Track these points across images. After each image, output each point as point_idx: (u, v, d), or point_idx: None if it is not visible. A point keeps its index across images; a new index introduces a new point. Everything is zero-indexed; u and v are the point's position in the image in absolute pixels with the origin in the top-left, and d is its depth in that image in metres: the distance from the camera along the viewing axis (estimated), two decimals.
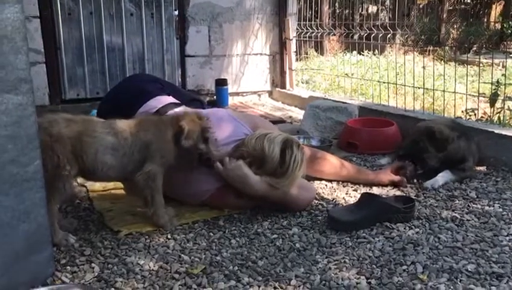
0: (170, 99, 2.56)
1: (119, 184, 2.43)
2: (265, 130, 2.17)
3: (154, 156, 1.94)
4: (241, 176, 2.05)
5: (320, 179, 2.57)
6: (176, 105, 2.52)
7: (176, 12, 4.59)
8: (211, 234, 1.98)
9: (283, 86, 5.06)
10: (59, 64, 4.26)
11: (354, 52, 6.18)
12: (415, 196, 2.35)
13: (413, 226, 2.02)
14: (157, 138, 1.97)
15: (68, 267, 1.72)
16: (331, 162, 2.56)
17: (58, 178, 1.80)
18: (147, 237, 1.94)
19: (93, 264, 1.74)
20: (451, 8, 11.85)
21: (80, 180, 2.50)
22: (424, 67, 4.25)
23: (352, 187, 2.51)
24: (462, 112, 3.57)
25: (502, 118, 3.35)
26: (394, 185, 2.50)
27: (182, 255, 1.80)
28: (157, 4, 4.50)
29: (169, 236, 1.95)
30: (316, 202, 2.29)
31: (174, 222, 2.04)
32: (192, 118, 2.01)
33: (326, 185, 2.53)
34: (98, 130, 1.91)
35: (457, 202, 2.28)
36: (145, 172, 1.93)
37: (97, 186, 2.47)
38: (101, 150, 1.88)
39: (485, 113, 3.58)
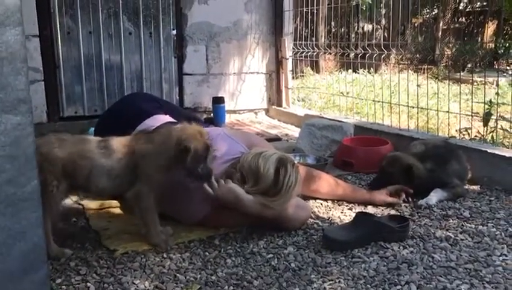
0: (167, 118, 2.59)
1: (116, 202, 2.44)
2: (261, 149, 2.16)
3: (142, 175, 1.94)
4: (233, 199, 2.04)
5: (316, 198, 2.58)
6: (173, 124, 2.55)
7: (174, 32, 4.65)
8: (207, 253, 1.99)
9: (279, 104, 5.10)
10: (58, 82, 4.29)
11: (350, 71, 6.26)
12: (409, 215, 2.37)
13: (407, 246, 2.04)
14: (146, 157, 1.95)
15: (64, 286, 1.73)
16: (327, 181, 2.57)
17: (45, 195, 1.82)
18: (142, 256, 1.95)
19: (88, 284, 1.74)
20: (445, 27, 12.02)
21: (76, 198, 2.51)
22: (418, 85, 4.30)
23: (347, 206, 2.53)
24: (456, 131, 3.61)
25: (495, 138, 3.39)
26: (389, 205, 2.51)
27: (178, 274, 1.81)
28: (156, 24, 4.56)
29: (165, 255, 1.96)
30: (312, 220, 2.31)
31: (170, 241, 2.04)
32: (196, 135, 1.95)
33: (321, 204, 2.54)
34: (91, 151, 1.92)
35: (451, 221, 2.30)
36: (133, 191, 1.93)
37: (93, 204, 2.47)
38: (95, 172, 1.90)
39: (478, 132, 3.62)
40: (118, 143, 1.98)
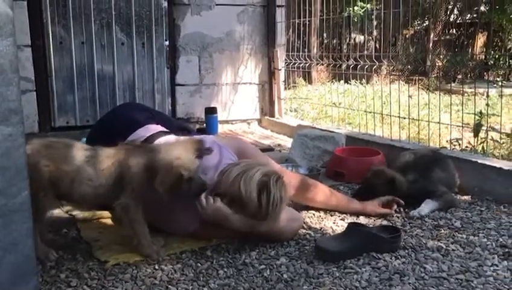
0: (159, 128, 2.59)
1: (107, 213, 2.43)
2: (241, 167, 2.06)
3: (127, 188, 1.93)
4: (222, 218, 2.03)
5: (308, 208, 2.59)
6: (165, 133, 2.54)
7: (167, 43, 4.67)
8: (199, 264, 1.98)
9: (272, 115, 5.12)
10: (49, 92, 4.28)
11: (342, 82, 6.30)
12: (401, 226, 2.38)
13: (399, 256, 2.04)
14: (131, 170, 1.93)
15: None
16: (322, 191, 2.57)
17: (33, 201, 1.82)
18: (134, 267, 1.94)
19: None
20: (436, 38, 12.16)
21: (67, 209, 2.50)
22: (410, 96, 4.35)
23: (339, 216, 2.53)
24: (447, 141, 3.64)
25: (485, 148, 3.42)
26: (381, 216, 2.52)
27: (169, 286, 1.79)
28: (149, 34, 4.57)
29: (156, 267, 1.95)
30: (304, 231, 2.31)
31: (161, 252, 2.03)
32: (189, 156, 1.92)
33: (313, 214, 2.55)
34: (77, 159, 1.92)
35: (442, 231, 2.31)
36: (120, 204, 1.93)
37: (85, 215, 2.46)
38: (78, 180, 1.90)
39: (469, 143, 3.65)
40: (105, 153, 1.98)
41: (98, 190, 1.92)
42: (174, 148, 1.97)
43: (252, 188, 1.97)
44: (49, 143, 1.98)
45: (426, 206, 2.54)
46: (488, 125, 3.49)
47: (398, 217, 2.51)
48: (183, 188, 1.91)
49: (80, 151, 1.96)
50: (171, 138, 2.51)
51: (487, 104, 3.87)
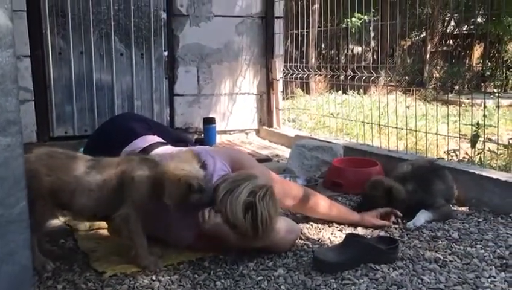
0: (156, 138, 2.59)
1: (105, 224, 2.42)
2: (228, 183, 2.02)
3: (127, 199, 1.93)
4: (220, 234, 2.03)
5: (307, 219, 2.58)
6: (162, 144, 2.55)
7: (166, 53, 4.69)
8: (196, 275, 1.97)
9: (270, 125, 5.14)
10: (48, 102, 4.29)
11: (339, 92, 6.33)
12: (398, 237, 2.38)
13: (397, 267, 2.04)
14: (134, 183, 1.94)
15: None
16: (322, 201, 2.57)
17: (32, 210, 1.83)
18: (131, 278, 1.93)
19: None
20: (433, 49, 12.25)
21: (65, 219, 2.49)
22: (407, 107, 4.37)
23: (337, 227, 2.53)
24: (445, 152, 3.65)
25: (482, 159, 3.43)
26: (378, 227, 2.52)
27: None
28: (147, 45, 4.59)
29: (154, 278, 1.94)
30: (302, 242, 2.31)
31: (159, 264, 2.02)
32: (193, 167, 1.94)
33: (311, 225, 2.55)
34: (78, 170, 1.92)
35: (440, 242, 2.31)
36: (120, 215, 1.92)
37: (82, 226, 2.45)
38: (79, 191, 1.91)
39: (466, 153, 3.67)
40: (108, 163, 1.98)
41: (99, 201, 1.92)
42: (177, 160, 1.97)
43: (238, 210, 1.93)
44: (52, 153, 1.99)
45: (421, 217, 2.55)
46: (485, 136, 3.51)
47: (395, 228, 2.51)
48: (193, 199, 1.91)
49: (81, 162, 1.97)
50: (168, 148, 2.52)
51: (484, 115, 3.89)
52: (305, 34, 5.84)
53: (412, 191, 2.64)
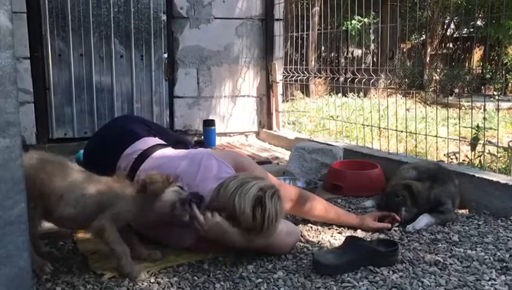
0: (157, 140, 2.59)
1: None
2: (238, 180, 2.05)
3: (105, 212, 1.91)
4: (220, 234, 2.01)
5: (306, 222, 2.58)
6: (162, 146, 2.55)
7: (166, 55, 4.69)
8: (195, 278, 1.97)
9: (270, 127, 5.14)
10: (47, 104, 4.29)
11: (339, 95, 6.33)
12: (398, 239, 2.37)
13: (397, 270, 2.03)
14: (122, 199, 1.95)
15: None
16: (320, 204, 2.56)
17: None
18: (130, 280, 1.92)
19: None
20: (433, 52, 12.26)
21: None
22: (407, 109, 4.37)
23: (337, 230, 2.52)
24: (445, 155, 3.65)
25: (482, 162, 3.43)
26: (378, 230, 2.52)
27: None
28: (147, 47, 4.60)
29: (152, 280, 1.93)
30: (301, 244, 2.30)
31: (142, 272, 1.95)
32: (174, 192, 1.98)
33: (311, 228, 2.54)
34: (70, 179, 1.93)
35: (440, 245, 2.30)
36: (95, 227, 1.91)
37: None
38: (65, 199, 1.90)
39: (466, 156, 3.66)
40: (98, 179, 1.99)
41: (80, 213, 1.92)
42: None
43: (246, 203, 1.96)
44: (46, 158, 1.99)
45: (422, 221, 2.54)
46: (485, 139, 3.50)
47: (395, 231, 2.50)
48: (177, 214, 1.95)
49: (74, 172, 1.97)
50: (168, 150, 2.52)
51: (484, 118, 3.89)
52: (305, 36, 5.84)
53: (429, 188, 2.62)
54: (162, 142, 2.58)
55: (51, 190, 1.90)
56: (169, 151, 2.52)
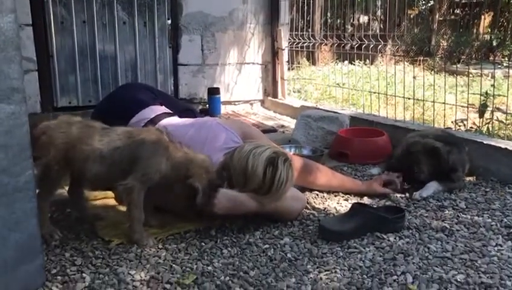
0: (163, 109, 2.58)
1: (111, 193, 2.42)
2: (254, 144, 2.10)
3: (137, 171, 1.91)
4: (233, 205, 2.01)
5: (312, 189, 2.58)
6: (169, 115, 2.54)
7: (169, 22, 4.61)
8: (203, 243, 1.98)
9: (275, 95, 5.09)
10: (51, 72, 4.25)
11: (346, 62, 6.24)
12: (405, 206, 2.37)
13: (403, 236, 2.04)
14: (147, 156, 1.93)
15: (59, 277, 1.72)
16: (323, 173, 2.56)
17: (46, 177, 1.91)
18: (138, 246, 1.94)
19: (84, 274, 1.73)
20: (441, 18, 12.00)
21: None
22: (414, 77, 4.30)
23: (343, 197, 2.52)
24: (452, 122, 3.61)
25: (490, 129, 3.39)
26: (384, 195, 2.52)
27: (174, 265, 1.80)
28: (150, 13, 4.51)
29: (160, 246, 1.95)
30: (308, 211, 2.31)
31: (150, 241, 1.96)
32: (201, 172, 1.95)
33: (317, 195, 2.54)
34: (94, 138, 1.93)
35: (446, 212, 2.31)
36: (123, 184, 1.90)
37: (88, 195, 2.45)
38: (92, 158, 1.91)
39: (474, 123, 3.63)
40: (121, 132, 1.99)
41: (110, 169, 1.92)
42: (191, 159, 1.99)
43: (259, 162, 2.00)
44: (71, 121, 2.01)
45: (430, 188, 2.53)
46: (494, 106, 3.46)
47: (402, 198, 2.50)
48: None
49: (97, 130, 1.98)
50: (174, 119, 2.51)
51: (493, 85, 3.83)
52: (310, 2, 5.72)
53: (447, 153, 2.57)
54: (169, 110, 2.57)
55: (75, 155, 1.91)
56: (176, 119, 2.51)
